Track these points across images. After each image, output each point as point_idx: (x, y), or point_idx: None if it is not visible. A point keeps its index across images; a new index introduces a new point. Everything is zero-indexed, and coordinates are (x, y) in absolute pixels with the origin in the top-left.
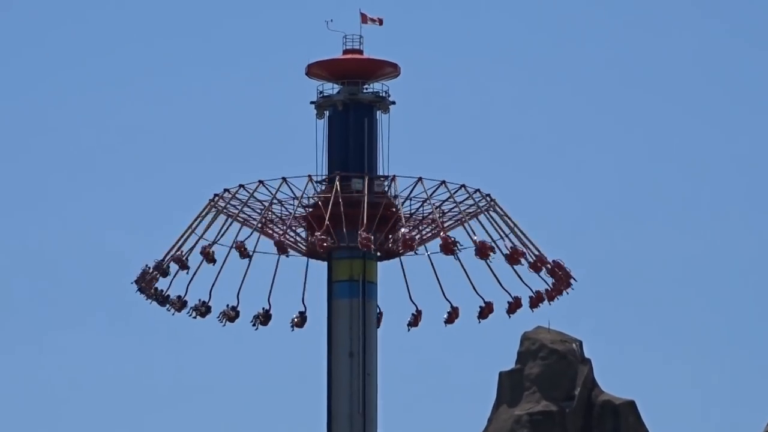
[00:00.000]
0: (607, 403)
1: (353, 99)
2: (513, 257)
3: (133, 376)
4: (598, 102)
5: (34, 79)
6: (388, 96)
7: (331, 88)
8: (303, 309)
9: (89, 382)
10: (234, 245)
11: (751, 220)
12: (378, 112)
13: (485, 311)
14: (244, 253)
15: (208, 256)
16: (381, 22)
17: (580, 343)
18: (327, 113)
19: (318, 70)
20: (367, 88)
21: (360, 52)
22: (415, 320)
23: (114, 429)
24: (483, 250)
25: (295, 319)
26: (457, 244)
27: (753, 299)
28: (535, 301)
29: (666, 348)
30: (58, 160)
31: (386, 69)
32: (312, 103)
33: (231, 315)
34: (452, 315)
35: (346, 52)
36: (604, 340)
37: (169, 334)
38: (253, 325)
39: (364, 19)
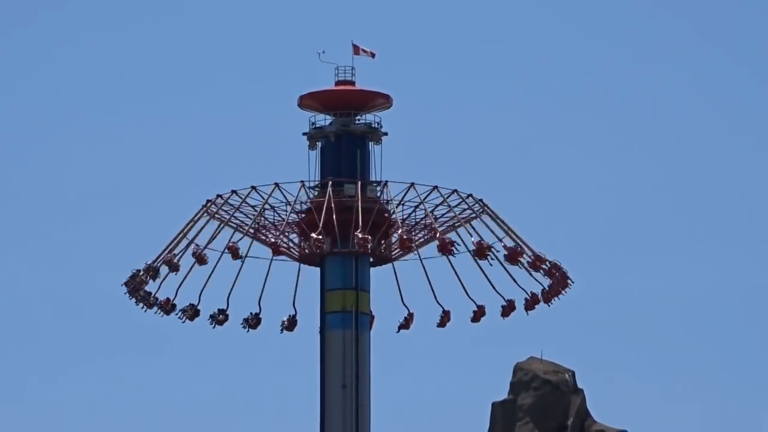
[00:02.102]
0: None
1: (346, 130)
2: (512, 257)
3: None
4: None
5: (30, 87)
6: (381, 127)
7: (324, 120)
8: (294, 312)
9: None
10: (227, 246)
11: (748, 251)
12: (370, 143)
13: (478, 314)
14: (236, 254)
15: (200, 258)
16: (374, 55)
17: (573, 373)
18: (319, 144)
19: (310, 101)
20: (359, 120)
21: (352, 83)
22: (406, 323)
23: None
24: (481, 250)
25: (285, 322)
26: (455, 244)
27: (747, 330)
28: (531, 303)
29: (659, 378)
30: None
31: (378, 100)
32: (304, 134)
33: (220, 318)
34: (444, 318)
35: (338, 83)
36: (596, 371)
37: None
38: (244, 327)
39: (356, 50)
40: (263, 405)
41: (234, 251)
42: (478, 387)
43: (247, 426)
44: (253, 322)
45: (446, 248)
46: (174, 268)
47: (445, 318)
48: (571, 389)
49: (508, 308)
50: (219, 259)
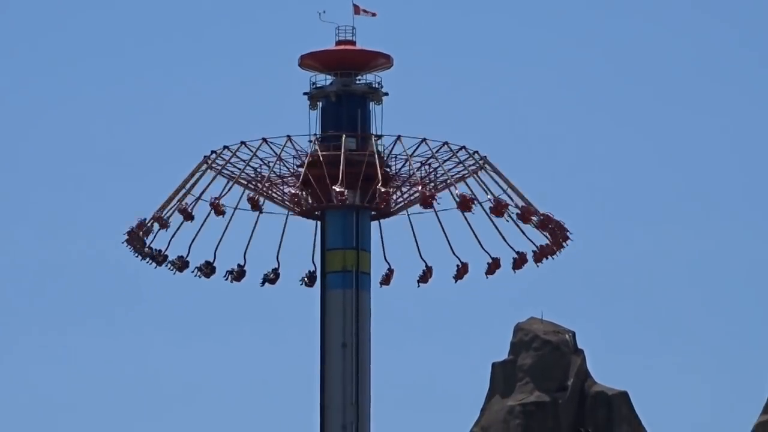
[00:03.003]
0: (599, 394)
1: (346, 90)
2: (525, 215)
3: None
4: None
5: (29, 52)
6: (381, 87)
7: (324, 80)
8: (276, 266)
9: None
10: (248, 198)
11: (748, 213)
12: (371, 102)
13: (461, 272)
14: (256, 206)
15: (218, 209)
16: (374, 15)
17: (573, 334)
18: (320, 104)
19: (311, 61)
20: (360, 80)
21: (353, 43)
22: (387, 279)
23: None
24: (498, 208)
25: (269, 275)
26: (475, 201)
27: (747, 291)
28: (519, 262)
29: (659, 339)
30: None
31: (379, 60)
32: (305, 94)
33: (236, 274)
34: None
35: (338, 43)
36: (597, 331)
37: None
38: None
39: (356, 10)
40: (263, 362)
41: (254, 203)
42: (478, 347)
43: (246, 383)
44: (272, 277)
45: (466, 206)
46: (188, 217)
47: (427, 274)
48: (572, 350)
49: (519, 261)
50: (208, 215)
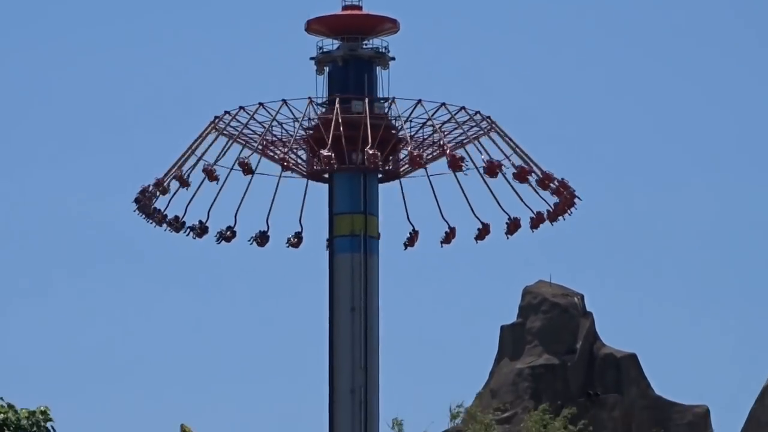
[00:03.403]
0: (608, 357)
1: (353, 55)
2: (521, 175)
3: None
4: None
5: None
6: (388, 52)
7: (331, 44)
8: (300, 229)
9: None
10: (238, 162)
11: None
12: (378, 67)
13: (483, 232)
14: (247, 169)
15: (210, 174)
16: None
17: (582, 296)
18: (327, 69)
19: (318, 26)
20: (366, 44)
21: (359, 8)
22: (411, 241)
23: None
24: (492, 168)
25: (292, 239)
26: (464, 160)
27: (756, 251)
28: (536, 221)
29: (668, 301)
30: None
31: (386, 25)
32: (312, 58)
33: (227, 236)
34: (449, 235)
35: (345, 8)
36: (605, 294)
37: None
38: (251, 243)
39: None
40: (272, 327)
41: (245, 167)
42: (487, 310)
43: (255, 346)
44: (260, 239)
45: (456, 165)
46: (184, 183)
47: (450, 235)
48: (580, 313)
49: (513, 226)
50: (228, 175)
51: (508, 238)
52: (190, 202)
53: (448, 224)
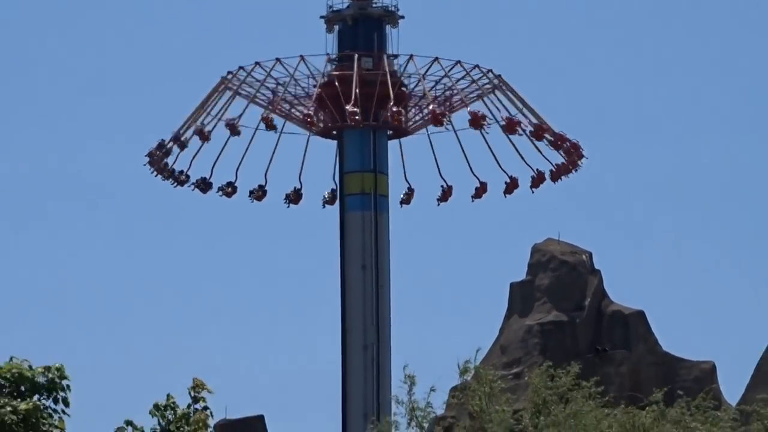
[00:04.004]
0: (616, 314)
1: (363, 13)
2: (538, 133)
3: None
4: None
5: None
6: (397, 10)
7: (341, 3)
8: (300, 185)
9: None
10: (262, 118)
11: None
12: (387, 26)
13: (480, 191)
14: (270, 125)
15: (234, 129)
16: None
17: (590, 254)
18: (337, 27)
19: None
20: (376, 3)
21: None
22: (444, 196)
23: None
24: (511, 126)
25: (290, 195)
26: (486, 118)
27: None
28: (556, 174)
29: (675, 259)
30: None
31: None
32: (322, 17)
33: (227, 191)
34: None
35: None
36: (613, 252)
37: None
38: (249, 197)
39: None
40: (286, 284)
41: (268, 122)
42: (496, 268)
43: (269, 303)
44: (294, 197)
45: (477, 123)
46: (204, 137)
47: (481, 190)
48: (588, 270)
49: (538, 179)
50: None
51: (533, 192)
52: (191, 161)
53: (478, 179)
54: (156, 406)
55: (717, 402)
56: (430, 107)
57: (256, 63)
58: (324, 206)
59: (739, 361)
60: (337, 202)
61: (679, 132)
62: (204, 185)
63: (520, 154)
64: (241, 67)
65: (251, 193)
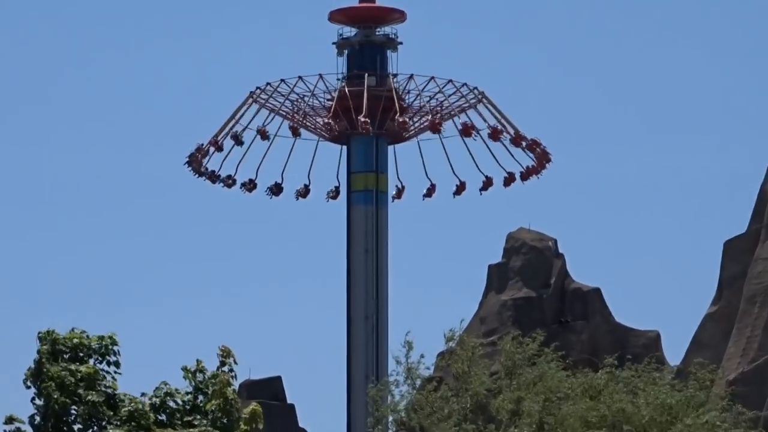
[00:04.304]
0: (577, 290)
1: (368, 40)
2: (516, 140)
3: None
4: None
5: None
6: (397, 37)
7: (349, 31)
8: (308, 182)
9: None
10: (290, 127)
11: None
12: (388, 50)
13: (460, 189)
14: (296, 132)
15: (263, 134)
16: None
17: (555, 241)
18: (346, 52)
19: (338, 16)
20: (379, 31)
21: (373, 1)
22: (398, 194)
23: None
24: (495, 134)
25: (300, 190)
26: (475, 128)
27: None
28: (525, 175)
29: (627, 243)
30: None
31: (395, 15)
32: (334, 43)
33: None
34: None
35: (361, 1)
36: (574, 239)
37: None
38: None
39: None
40: (300, 264)
41: (295, 130)
42: (476, 252)
43: (286, 282)
44: (303, 192)
45: (468, 132)
46: (238, 141)
47: (431, 190)
48: (554, 254)
49: (509, 179)
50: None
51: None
52: (222, 161)
53: (459, 179)
54: (186, 369)
55: (660, 365)
56: (429, 117)
57: (282, 80)
58: (328, 200)
59: (680, 330)
60: (340, 196)
61: (626, 140)
62: (251, 185)
63: (495, 158)
64: (268, 83)
65: (269, 189)
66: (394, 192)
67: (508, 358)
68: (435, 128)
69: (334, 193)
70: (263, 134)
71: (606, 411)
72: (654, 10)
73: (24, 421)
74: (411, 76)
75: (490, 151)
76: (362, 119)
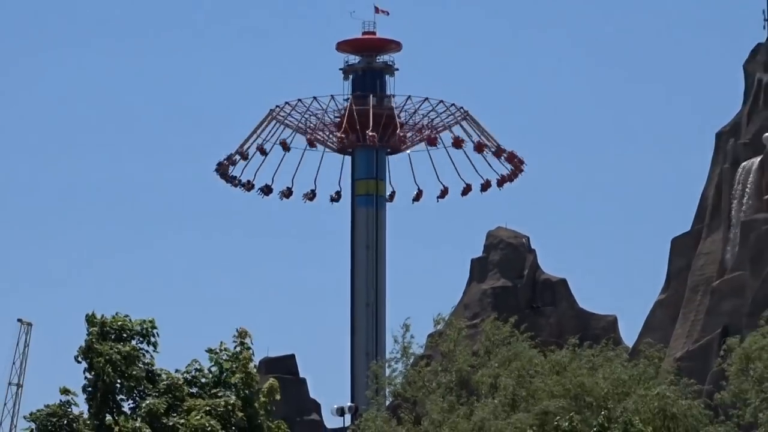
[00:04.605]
0: (546, 281)
1: (369, 67)
2: (498, 153)
3: None
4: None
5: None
6: (394, 64)
7: (354, 59)
8: (314, 187)
9: None
10: (307, 140)
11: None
12: (386, 75)
13: (443, 193)
14: (312, 144)
15: (285, 146)
16: (388, 13)
17: (528, 238)
18: (351, 76)
19: (345, 46)
20: (378, 59)
21: (374, 33)
22: (390, 197)
23: None
24: (480, 147)
25: (308, 194)
26: (464, 142)
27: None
28: (501, 182)
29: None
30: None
31: (392, 45)
32: (340, 69)
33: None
34: (418, 194)
35: (364, 33)
36: (545, 237)
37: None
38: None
39: (376, 10)
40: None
41: (312, 143)
42: (460, 248)
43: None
44: (310, 196)
45: (458, 144)
46: (263, 152)
47: (419, 195)
48: (527, 250)
49: (485, 185)
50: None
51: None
52: (243, 170)
53: (442, 184)
54: (210, 351)
55: (617, 345)
56: (425, 133)
57: (299, 100)
58: (331, 202)
59: (634, 315)
60: (341, 199)
61: (590, 151)
62: (267, 190)
63: (474, 167)
64: (287, 102)
65: (281, 193)
66: (387, 196)
67: (487, 338)
68: (432, 142)
69: (336, 197)
70: (285, 146)
71: (569, 385)
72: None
73: (77, 393)
74: (408, 97)
75: (471, 161)
76: (370, 133)
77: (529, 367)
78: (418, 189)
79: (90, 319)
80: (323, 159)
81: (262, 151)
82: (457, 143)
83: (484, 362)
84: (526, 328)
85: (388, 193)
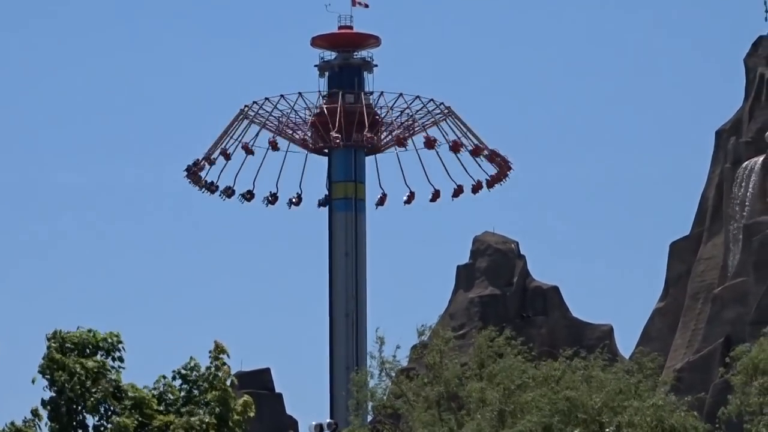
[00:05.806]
0: (537, 288)
1: (346, 63)
2: (476, 151)
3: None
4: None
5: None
6: (372, 61)
7: (330, 55)
8: (300, 191)
9: None
10: (269, 141)
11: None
12: (365, 72)
13: (435, 196)
14: (275, 146)
15: (248, 149)
16: (367, 5)
17: (517, 243)
18: (327, 73)
19: (320, 41)
20: (356, 55)
21: (351, 28)
22: (381, 201)
23: None
24: (456, 146)
25: (293, 199)
26: (437, 141)
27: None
28: (491, 182)
29: (583, 247)
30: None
31: (370, 41)
32: (316, 66)
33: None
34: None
35: (340, 28)
36: (535, 242)
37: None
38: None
39: (353, 2)
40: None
41: (273, 144)
42: (446, 254)
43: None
44: (296, 200)
45: (430, 144)
46: (227, 157)
47: (410, 197)
48: (516, 256)
49: (458, 191)
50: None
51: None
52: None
53: (433, 187)
54: (179, 373)
55: (613, 355)
56: (394, 133)
57: (266, 98)
58: (319, 207)
59: (631, 324)
60: (302, 204)
61: (582, 152)
62: (249, 195)
63: (464, 168)
64: (254, 102)
65: (266, 198)
66: (377, 199)
67: (481, 351)
68: (400, 143)
69: (324, 201)
70: (274, 146)
71: (557, 398)
72: (604, 35)
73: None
74: (381, 93)
75: (460, 161)
76: (334, 134)
77: (518, 380)
78: (410, 191)
79: (50, 338)
80: (307, 161)
81: (226, 156)
82: (429, 143)
83: (472, 375)
84: (520, 341)
85: (378, 196)
